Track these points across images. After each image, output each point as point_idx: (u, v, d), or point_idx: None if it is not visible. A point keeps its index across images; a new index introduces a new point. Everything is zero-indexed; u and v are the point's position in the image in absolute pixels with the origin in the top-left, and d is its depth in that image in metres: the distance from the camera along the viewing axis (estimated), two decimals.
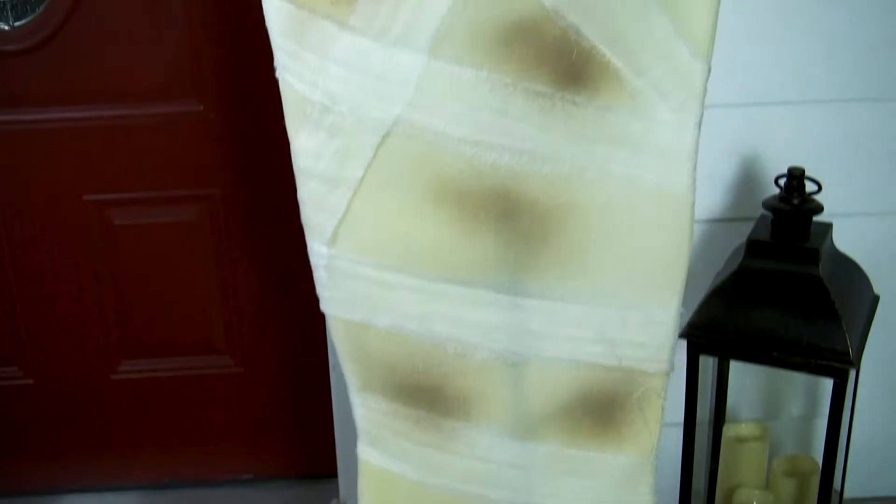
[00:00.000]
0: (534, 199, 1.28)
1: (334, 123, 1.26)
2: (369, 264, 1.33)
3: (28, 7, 1.93)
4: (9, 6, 1.93)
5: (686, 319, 1.56)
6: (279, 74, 1.26)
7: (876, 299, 1.65)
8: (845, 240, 1.64)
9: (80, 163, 2.04)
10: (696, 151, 1.27)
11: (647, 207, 1.29)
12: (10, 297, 2.15)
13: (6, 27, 1.94)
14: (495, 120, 1.24)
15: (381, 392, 1.42)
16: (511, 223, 1.30)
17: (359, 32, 1.22)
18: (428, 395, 1.40)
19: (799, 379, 1.82)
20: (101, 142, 2.02)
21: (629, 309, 1.34)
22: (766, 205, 1.55)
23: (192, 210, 2.09)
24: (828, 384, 1.53)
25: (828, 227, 1.57)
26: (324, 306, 1.38)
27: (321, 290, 1.37)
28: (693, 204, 1.29)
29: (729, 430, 1.77)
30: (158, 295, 2.16)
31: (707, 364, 1.66)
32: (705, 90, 1.25)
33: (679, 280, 1.33)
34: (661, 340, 1.35)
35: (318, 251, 1.34)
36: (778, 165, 1.71)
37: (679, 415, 1.63)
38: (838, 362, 1.47)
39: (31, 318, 2.17)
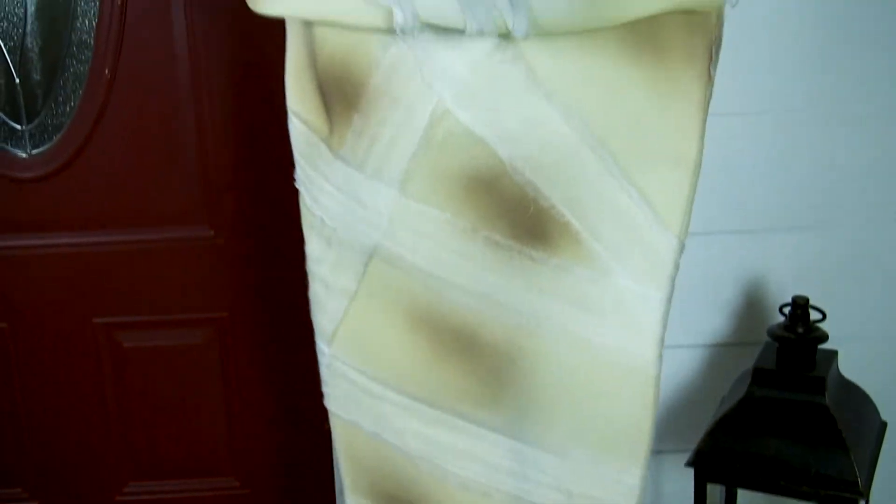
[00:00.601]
0: (494, 342, 1.30)
1: (331, 237, 1.32)
2: (359, 371, 1.37)
3: (45, 136, 1.98)
4: (27, 135, 1.98)
5: (693, 446, 1.56)
6: (298, 184, 1.32)
7: (884, 426, 1.63)
8: (851, 366, 1.63)
9: (91, 286, 2.07)
10: (664, 325, 1.24)
11: (605, 373, 1.28)
12: (17, 416, 2.15)
13: (24, 155, 1.99)
14: (457, 262, 1.27)
15: (369, 497, 1.43)
16: (473, 360, 1.32)
17: (346, 161, 1.27)
18: None
19: None
20: (112, 266, 2.05)
21: (586, 465, 1.32)
22: (771, 333, 1.55)
23: (200, 333, 2.11)
24: None
25: (833, 355, 1.57)
26: (325, 402, 1.42)
27: (324, 387, 1.41)
28: (657, 377, 1.27)
29: None
30: (165, 416, 2.16)
31: (715, 492, 1.64)
32: (677, 265, 1.22)
33: (640, 449, 1.31)
34: (623, 500, 1.33)
35: (321, 349, 1.39)
36: (782, 289, 1.72)
37: None
38: (847, 492, 1.46)
39: (37, 438, 2.17)
